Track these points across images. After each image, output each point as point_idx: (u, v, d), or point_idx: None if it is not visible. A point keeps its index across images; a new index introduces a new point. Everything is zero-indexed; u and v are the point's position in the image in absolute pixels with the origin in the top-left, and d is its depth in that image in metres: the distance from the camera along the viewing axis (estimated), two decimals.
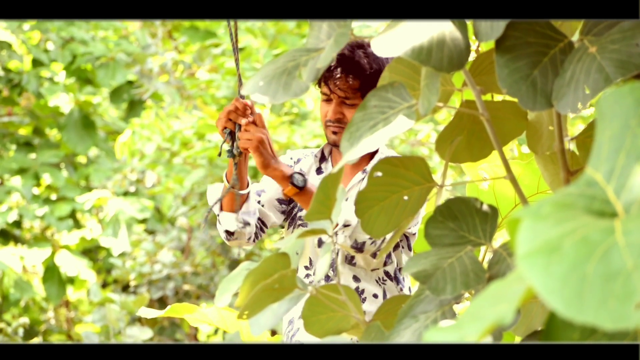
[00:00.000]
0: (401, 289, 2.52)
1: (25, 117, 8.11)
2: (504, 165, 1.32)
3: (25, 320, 7.32)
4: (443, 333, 0.80)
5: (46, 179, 8.03)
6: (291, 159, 2.67)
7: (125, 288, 8.53)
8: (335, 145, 2.50)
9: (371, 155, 2.57)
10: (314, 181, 2.58)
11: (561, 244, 0.76)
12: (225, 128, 2.39)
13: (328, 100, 2.48)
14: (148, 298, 7.29)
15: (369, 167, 2.54)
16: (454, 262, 1.25)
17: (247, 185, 2.46)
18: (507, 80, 1.22)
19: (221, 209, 2.47)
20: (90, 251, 8.97)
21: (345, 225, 2.37)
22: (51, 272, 7.85)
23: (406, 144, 7.46)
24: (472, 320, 0.80)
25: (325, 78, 2.46)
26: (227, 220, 2.45)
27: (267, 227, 2.56)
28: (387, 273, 2.52)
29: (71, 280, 7.94)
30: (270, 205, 2.57)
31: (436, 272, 1.24)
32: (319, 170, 2.61)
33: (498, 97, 1.73)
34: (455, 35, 1.20)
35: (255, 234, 2.53)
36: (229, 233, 2.46)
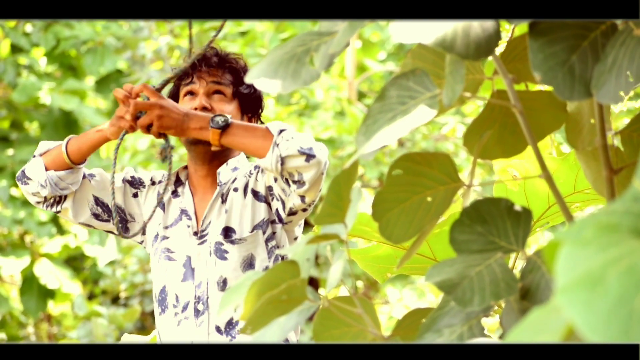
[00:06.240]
0: None
1: (1, 109, 8.14)
2: (539, 162, 1.33)
3: (2, 336, 7.34)
4: None
5: None
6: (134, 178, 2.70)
7: (115, 300, 8.55)
8: (199, 143, 2.52)
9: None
10: (170, 207, 2.61)
11: (605, 275, 0.74)
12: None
13: (192, 95, 2.58)
14: (140, 311, 7.32)
15: (223, 179, 2.57)
16: (483, 270, 1.25)
17: (83, 163, 2.54)
18: (541, 67, 1.22)
19: (47, 169, 2.52)
20: (75, 259, 8.98)
21: (282, 130, 2.31)
22: (30, 283, 7.86)
23: (430, 139, 7.46)
24: None
25: (195, 66, 2.56)
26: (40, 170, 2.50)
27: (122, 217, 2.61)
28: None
29: (52, 293, 7.95)
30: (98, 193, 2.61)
31: (463, 282, 1.25)
32: (174, 194, 2.62)
33: (537, 87, 1.74)
34: None
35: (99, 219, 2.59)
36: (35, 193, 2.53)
